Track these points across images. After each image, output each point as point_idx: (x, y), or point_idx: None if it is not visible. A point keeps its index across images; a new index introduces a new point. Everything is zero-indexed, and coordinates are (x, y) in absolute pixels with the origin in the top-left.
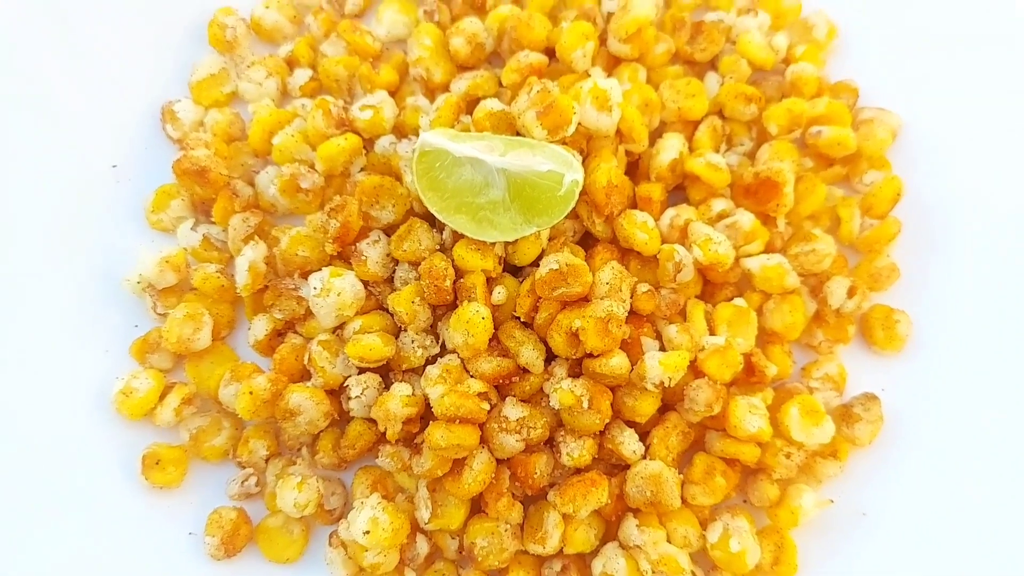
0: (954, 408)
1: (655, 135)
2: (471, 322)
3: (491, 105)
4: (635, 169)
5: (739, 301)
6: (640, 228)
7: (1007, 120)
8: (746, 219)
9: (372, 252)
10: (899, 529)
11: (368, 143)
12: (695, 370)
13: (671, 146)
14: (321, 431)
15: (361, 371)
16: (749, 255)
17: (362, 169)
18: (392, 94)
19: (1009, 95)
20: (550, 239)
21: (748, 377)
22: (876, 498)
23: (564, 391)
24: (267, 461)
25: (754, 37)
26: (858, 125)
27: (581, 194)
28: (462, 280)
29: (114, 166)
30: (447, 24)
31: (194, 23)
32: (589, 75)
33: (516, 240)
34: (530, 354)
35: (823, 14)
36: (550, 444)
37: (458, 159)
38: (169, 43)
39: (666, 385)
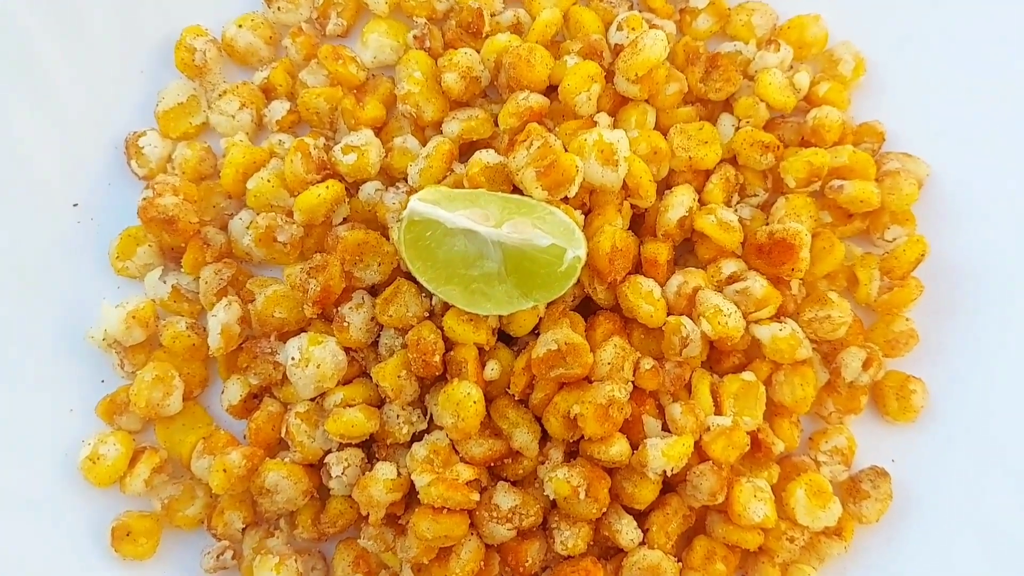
0: (968, 485)
1: (663, 184)
2: (461, 405)
3: (486, 158)
4: (640, 221)
5: (747, 375)
6: (645, 299)
7: None
8: (758, 286)
9: (355, 317)
10: None
11: (351, 187)
12: (699, 451)
13: (680, 202)
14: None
15: (342, 446)
16: (759, 321)
17: (345, 219)
18: (378, 131)
19: None
20: (548, 307)
21: (753, 453)
22: None
23: (560, 480)
24: (243, 532)
25: (774, 78)
26: (882, 176)
27: None
28: (452, 352)
29: (75, 205)
30: (439, 51)
31: (160, 44)
32: (593, 121)
33: None
34: (524, 437)
35: (850, 46)
36: (543, 527)
37: (450, 230)
38: (132, 67)
39: (668, 474)
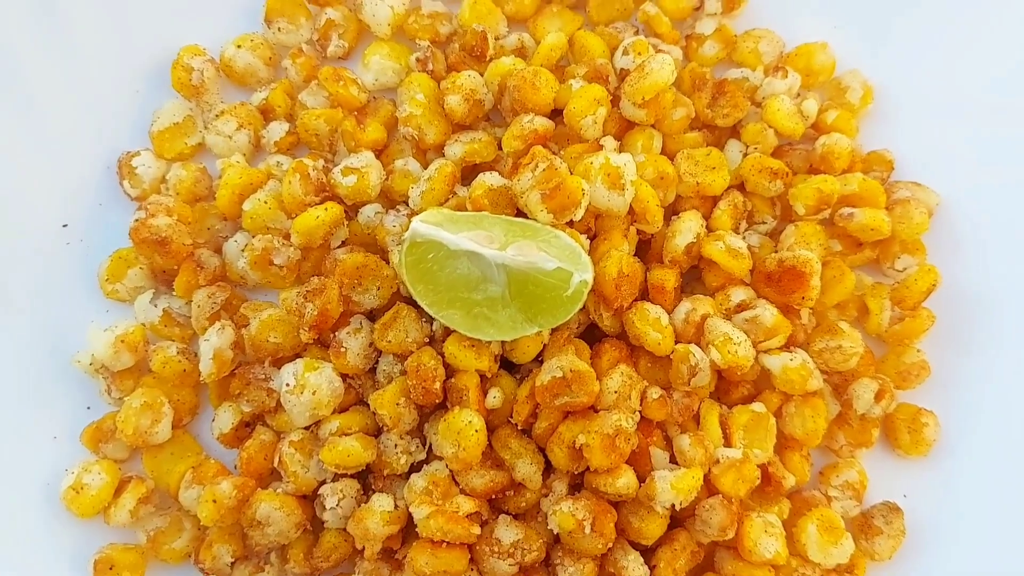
0: (982, 521)
1: (670, 210)
2: (463, 434)
3: (490, 180)
4: (647, 247)
5: (757, 406)
6: (653, 326)
7: None
8: (768, 314)
9: (353, 343)
10: None
11: (351, 210)
12: (708, 484)
13: (687, 228)
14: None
15: (337, 476)
16: (769, 351)
17: (343, 242)
18: (379, 153)
19: None
20: (552, 332)
21: (764, 487)
22: None
23: (564, 514)
24: (232, 566)
25: (783, 104)
26: (892, 205)
27: None
28: (453, 380)
29: (64, 226)
30: (441, 74)
31: (156, 63)
32: (599, 144)
33: None
34: (527, 468)
35: (858, 74)
36: (547, 563)
37: (453, 252)
38: (127, 86)
39: (677, 508)
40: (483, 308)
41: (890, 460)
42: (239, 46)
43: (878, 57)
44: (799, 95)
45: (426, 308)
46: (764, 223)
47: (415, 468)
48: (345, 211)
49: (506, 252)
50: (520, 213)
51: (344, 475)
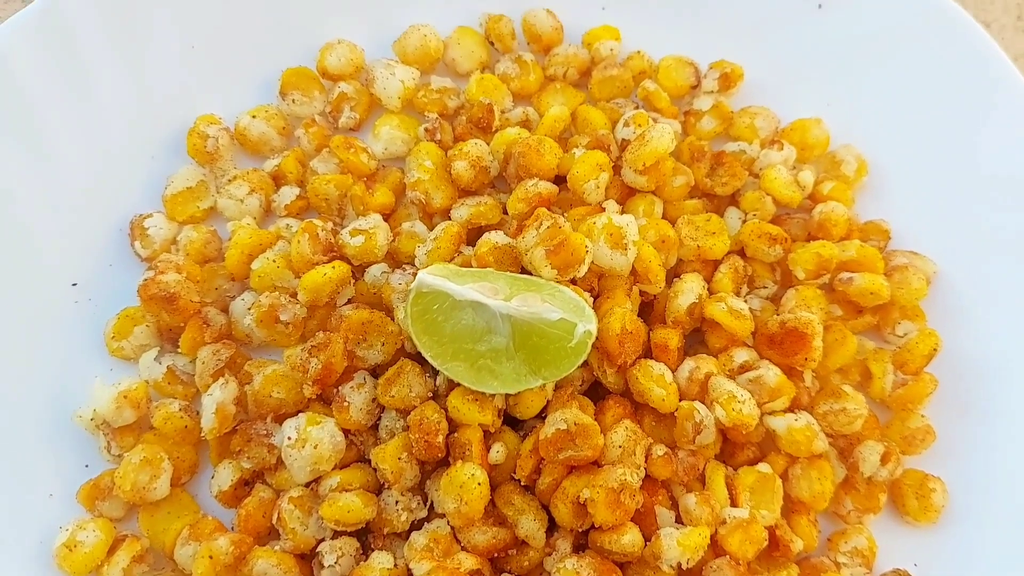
0: None
1: (672, 274)
2: (465, 487)
3: (495, 239)
4: (649, 309)
5: (763, 466)
6: (657, 382)
7: None
8: (771, 374)
9: (356, 397)
10: None
11: (357, 271)
12: (715, 545)
13: (690, 289)
14: None
15: (337, 534)
16: (773, 412)
17: (349, 300)
18: (386, 217)
19: None
20: (556, 387)
21: (771, 551)
22: None
23: (568, 571)
24: None
25: (779, 173)
26: (890, 271)
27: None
28: (456, 434)
29: (74, 284)
30: (449, 144)
31: (173, 132)
32: (602, 208)
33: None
34: (530, 525)
35: (852, 149)
36: None
37: (458, 302)
38: (144, 152)
39: (684, 567)
40: (487, 360)
41: (900, 529)
42: (254, 116)
43: (870, 134)
44: (795, 167)
45: (430, 360)
46: (765, 288)
47: (416, 527)
48: (352, 272)
49: (510, 303)
50: (525, 271)
51: (344, 533)
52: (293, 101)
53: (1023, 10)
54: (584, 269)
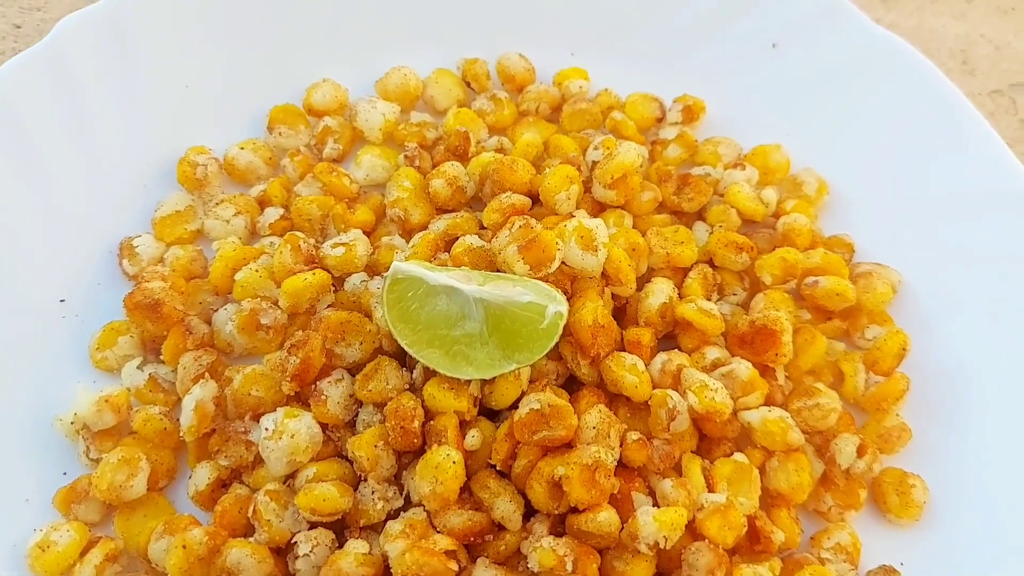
0: None
1: (642, 280)
2: (440, 467)
3: (471, 241)
4: (622, 315)
5: (740, 456)
6: (629, 371)
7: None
8: (743, 368)
9: (333, 392)
10: None
11: (338, 281)
12: (693, 532)
13: (660, 290)
14: None
15: (312, 526)
16: (748, 408)
17: (329, 306)
18: (367, 234)
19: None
20: (531, 381)
21: (752, 545)
22: None
23: (545, 550)
24: None
25: (743, 188)
26: (856, 279)
27: (565, 335)
28: (432, 422)
29: (62, 300)
30: (427, 170)
31: (164, 163)
32: (573, 216)
33: (494, 380)
34: (506, 507)
35: (812, 172)
36: None
37: (433, 288)
38: (136, 180)
39: (662, 546)
40: (462, 346)
41: (883, 529)
42: (242, 148)
43: (828, 161)
44: (757, 188)
45: (406, 348)
46: (735, 295)
47: (392, 517)
48: (332, 283)
49: (483, 287)
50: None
51: (319, 524)
52: (280, 134)
53: (967, 55)
54: (555, 265)
